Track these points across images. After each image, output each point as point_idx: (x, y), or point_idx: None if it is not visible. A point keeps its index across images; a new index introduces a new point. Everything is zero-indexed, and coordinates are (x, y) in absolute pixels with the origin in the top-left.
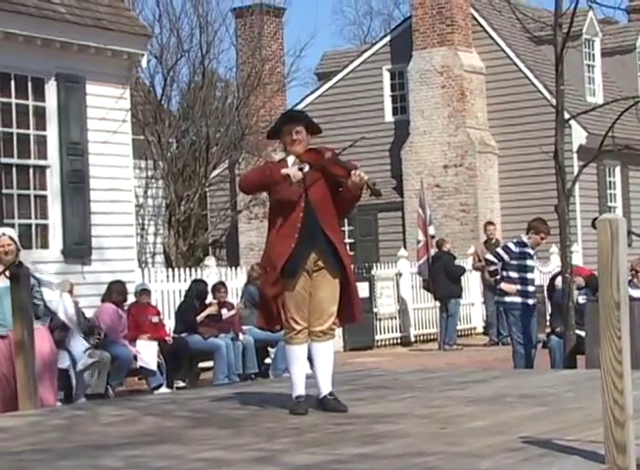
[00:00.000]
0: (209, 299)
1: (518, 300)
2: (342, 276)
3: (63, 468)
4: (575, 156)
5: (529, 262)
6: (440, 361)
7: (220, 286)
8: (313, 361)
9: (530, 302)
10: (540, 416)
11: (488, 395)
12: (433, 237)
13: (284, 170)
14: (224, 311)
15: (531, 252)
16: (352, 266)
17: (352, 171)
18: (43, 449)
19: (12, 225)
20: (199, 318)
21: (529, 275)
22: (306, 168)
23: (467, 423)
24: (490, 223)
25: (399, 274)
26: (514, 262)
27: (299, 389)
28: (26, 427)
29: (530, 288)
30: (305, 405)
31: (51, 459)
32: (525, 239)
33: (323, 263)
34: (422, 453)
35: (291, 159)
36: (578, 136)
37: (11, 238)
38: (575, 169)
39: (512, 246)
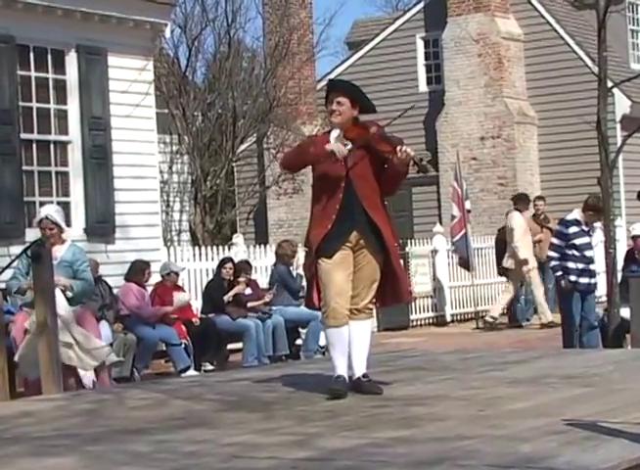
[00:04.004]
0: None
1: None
2: (385, 257)
3: (89, 453)
4: (619, 125)
5: (584, 240)
6: (479, 341)
7: (227, 260)
8: (349, 340)
9: (587, 281)
10: (584, 398)
11: (529, 375)
12: (469, 212)
13: (328, 146)
14: (248, 291)
15: (585, 228)
16: (398, 244)
17: (398, 147)
18: (69, 435)
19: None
20: (226, 298)
21: (588, 253)
22: (349, 146)
23: (507, 405)
24: (540, 198)
25: (435, 251)
26: (570, 244)
27: (340, 370)
28: (51, 411)
29: (586, 266)
30: (344, 384)
31: (77, 445)
32: (578, 216)
33: (364, 243)
34: (460, 437)
35: (335, 132)
36: (622, 105)
37: (53, 222)
38: (619, 140)
39: (563, 228)
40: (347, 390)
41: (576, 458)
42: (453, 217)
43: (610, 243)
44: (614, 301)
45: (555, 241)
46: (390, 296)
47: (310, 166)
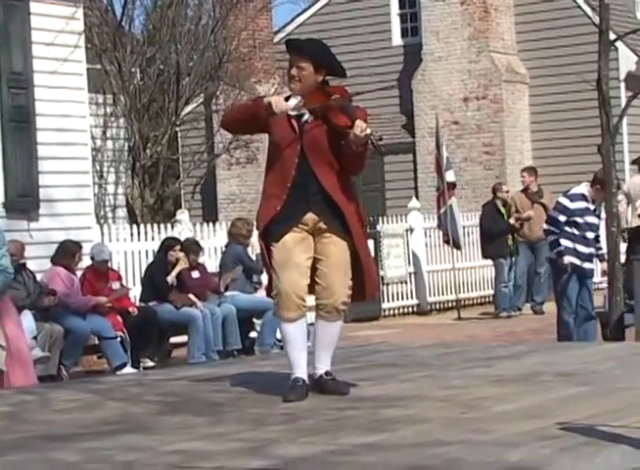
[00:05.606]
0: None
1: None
2: (350, 243)
3: (8, 464)
4: (623, 85)
5: (588, 220)
6: (461, 334)
7: (175, 243)
8: (315, 337)
9: (586, 266)
10: (581, 398)
11: (518, 373)
12: (454, 185)
13: (266, 99)
14: (196, 275)
15: (592, 206)
16: (364, 230)
17: (356, 122)
18: None
19: None
20: (169, 279)
21: (589, 234)
22: (306, 117)
23: (493, 407)
24: (531, 169)
25: (410, 230)
26: (571, 220)
27: (298, 371)
28: None
29: (585, 249)
30: (302, 390)
31: None
32: (585, 191)
33: (325, 225)
34: (440, 442)
35: (294, 100)
36: (626, 61)
37: None
38: (623, 101)
39: (567, 202)
40: (306, 393)
41: (571, 467)
42: (438, 189)
43: (612, 220)
44: (615, 286)
45: (555, 215)
46: (355, 292)
47: (267, 134)
